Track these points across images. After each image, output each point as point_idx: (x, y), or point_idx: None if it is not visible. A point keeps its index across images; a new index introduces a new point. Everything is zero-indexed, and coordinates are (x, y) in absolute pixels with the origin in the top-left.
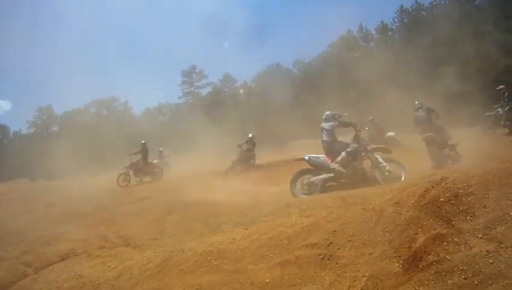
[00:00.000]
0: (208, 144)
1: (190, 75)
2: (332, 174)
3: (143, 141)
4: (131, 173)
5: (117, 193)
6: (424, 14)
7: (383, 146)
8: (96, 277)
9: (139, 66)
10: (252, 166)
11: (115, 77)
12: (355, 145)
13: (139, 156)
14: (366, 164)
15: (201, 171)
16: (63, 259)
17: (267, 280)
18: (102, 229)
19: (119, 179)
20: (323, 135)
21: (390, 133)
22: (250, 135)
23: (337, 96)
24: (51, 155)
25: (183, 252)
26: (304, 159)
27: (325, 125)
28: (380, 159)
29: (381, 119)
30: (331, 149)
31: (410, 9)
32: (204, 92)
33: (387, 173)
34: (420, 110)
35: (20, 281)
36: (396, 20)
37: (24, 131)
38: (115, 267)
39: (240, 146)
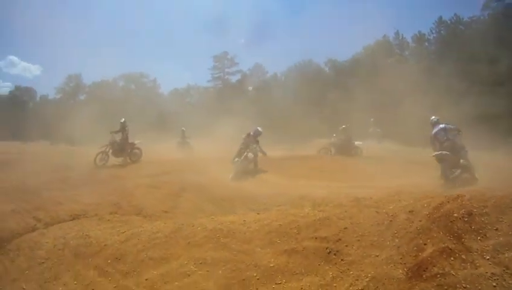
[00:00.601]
0: (230, 130)
1: (221, 60)
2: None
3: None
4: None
5: (135, 165)
6: (463, 28)
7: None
8: (103, 238)
9: (171, 45)
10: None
11: (145, 53)
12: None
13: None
14: None
15: (221, 155)
16: (73, 219)
17: (272, 265)
18: (116, 197)
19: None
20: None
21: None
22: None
23: (364, 100)
24: (74, 122)
25: (193, 226)
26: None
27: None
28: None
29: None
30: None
31: (449, 21)
32: (233, 78)
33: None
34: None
35: (29, 233)
36: (433, 31)
37: (51, 96)
38: (124, 232)
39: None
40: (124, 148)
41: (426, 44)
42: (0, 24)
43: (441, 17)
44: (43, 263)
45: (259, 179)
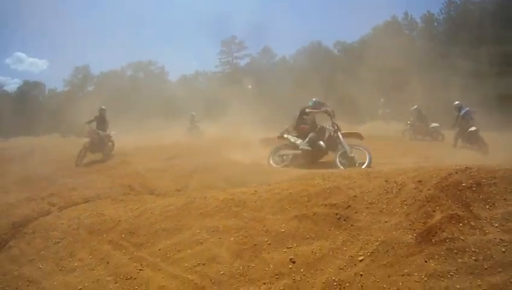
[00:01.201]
0: (239, 114)
1: (229, 45)
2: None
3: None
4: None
5: (144, 149)
6: (472, 8)
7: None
8: (117, 215)
9: (178, 31)
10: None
11: (153, 40)
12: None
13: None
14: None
15: (231, 138)
16: (87, 201)
17: (282, 230)
18: (128, 180)
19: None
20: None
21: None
22: None
23: (374, 81)
24: (84, 113)
25: (205, 198)
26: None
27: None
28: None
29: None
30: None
31: (458, 1)
32: (242, 62)
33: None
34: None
35: (44, 217)
36: (443, 12)
37: (60, 89)
38: (137, 208)
39: None
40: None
41: (435, 24)
42: (6, 21)
43: None
44: (58, 242)
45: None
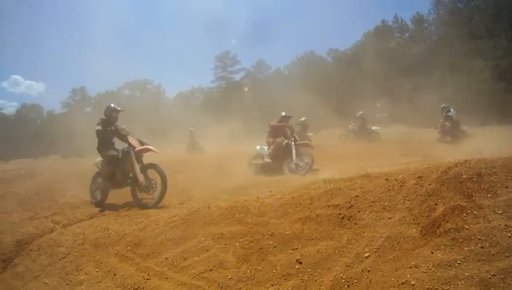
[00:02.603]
0: (236, 128)
1: (223, 60)
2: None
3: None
4: None
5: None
6: (461, 6)
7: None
8: (122, 229)
9: (173, 49)
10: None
11: (148, 60)
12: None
13: None
14: None
15: (231, 152)
16: (91, 218)
17: (287, 233)
18: (131, 197)
19: None
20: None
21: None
22: None
23: (369, 86)
24: (83, 134)
25: (209, 208)
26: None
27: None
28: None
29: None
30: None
31: (447, 0)
32: (237, 77)
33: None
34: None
35: (48, 234)
36: (432, 12)
37: (57, 111)
38: (141, 221)
39: None
40: None
41: (425, 25)
42: (1, 44)
43: None
44: (64, 257)
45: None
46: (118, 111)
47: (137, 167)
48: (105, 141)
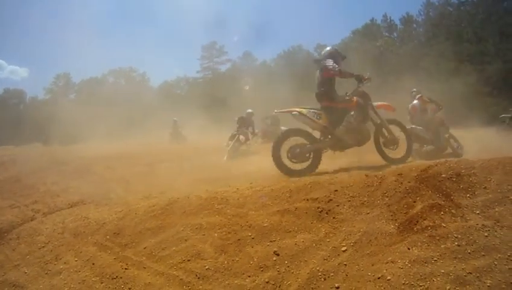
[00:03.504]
0: (220, 118)
1: (210, 50)
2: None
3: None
4: None
5: (128, 156)
6: (451, 9)
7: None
8: (101, 218)
9: (159, 37)
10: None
11: (133, 47)
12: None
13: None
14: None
15: (214, 143)
16: (71, 206)
17: (265, 224)
18: (112, 185)
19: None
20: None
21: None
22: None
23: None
24: (66, 121)
25: (188, 198)
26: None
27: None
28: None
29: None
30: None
31: (437, 3)
32: (223, 68)
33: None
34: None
35: (28, 223)
36: (421, 13)
37: (41, 97)
38: (121, 211)
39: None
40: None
41: (414, 26)
42: None
43: None
44: (43, 247)
45: (252, 160)
46: None
47: None
48: None
